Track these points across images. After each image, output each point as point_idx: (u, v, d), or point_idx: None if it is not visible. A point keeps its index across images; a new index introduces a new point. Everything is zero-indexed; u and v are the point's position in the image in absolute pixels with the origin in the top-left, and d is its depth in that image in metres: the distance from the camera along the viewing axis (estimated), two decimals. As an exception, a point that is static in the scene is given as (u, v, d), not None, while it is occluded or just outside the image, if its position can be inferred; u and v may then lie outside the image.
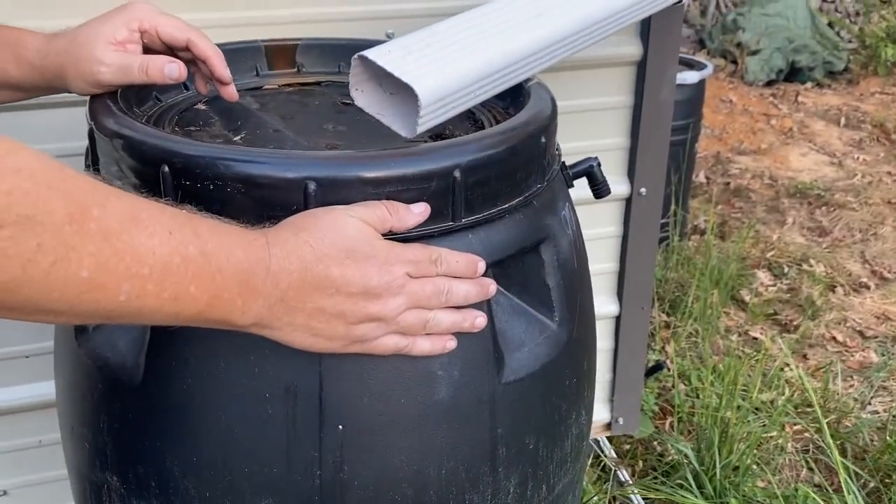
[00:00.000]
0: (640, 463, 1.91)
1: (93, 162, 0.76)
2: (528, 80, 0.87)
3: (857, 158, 4.13)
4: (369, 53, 0.72)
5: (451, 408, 0.73)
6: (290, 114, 0.89)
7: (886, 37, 5.45)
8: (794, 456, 1.95)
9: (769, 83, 5.27)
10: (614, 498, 1.77)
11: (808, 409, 2.04)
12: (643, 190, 1.50)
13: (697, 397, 2.07)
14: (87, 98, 0.80)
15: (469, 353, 0.73)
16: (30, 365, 1.31)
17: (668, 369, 2.21)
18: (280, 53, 1.01)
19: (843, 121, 4.67)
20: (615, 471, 1.80)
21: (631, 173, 1.50)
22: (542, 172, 0.79)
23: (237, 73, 0.93)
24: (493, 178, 0.72)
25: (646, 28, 1.39)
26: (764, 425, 1.95)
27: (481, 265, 0.70)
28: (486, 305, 0.73)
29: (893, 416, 2.04)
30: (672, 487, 1.75)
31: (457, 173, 0.69)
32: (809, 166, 4.03)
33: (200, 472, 0.71)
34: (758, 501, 1.73)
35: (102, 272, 0.50)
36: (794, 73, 5.36)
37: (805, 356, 2.44)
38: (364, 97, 0.76)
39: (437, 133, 0.85)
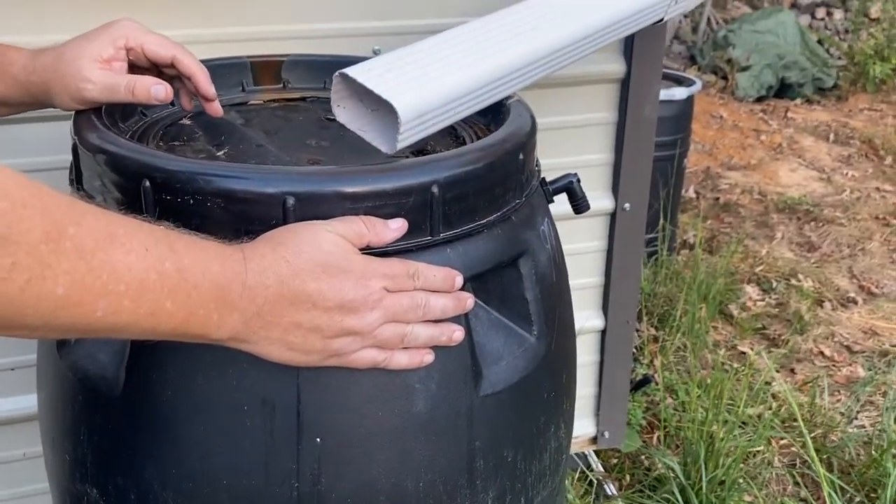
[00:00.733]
0: (628, 477, 1.91)
1: (76, 177, 0.77)
2: (509, 97, 0.89)
3: (846, 174, 4.16)
4: (350, 71, 0.74)
5: (428, 421, 0.73)
6: (274, 129, 0.90)
7: (875, 54, 5.51)
8: (781, 470, 1.95)
9: (759, 99, 5.32)
10: (601, 512, 1.77)
11: (795, 424, 2.04)
12: (627, 205, 1.52)
13: (685, 411, 2.08)
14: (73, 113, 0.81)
15: (447, 367, 0.74)
16: (15, 378, 1.31)
17: (656, 383, 2.22)
18: (266, 69, 1.03)
19: (832, 137, 4.71)
20: (602, 484, 1.81)
21: (615, 188, 1.51)
22: (521, 188, 0.80)
23: (223, 89, 0.94)
24: (470, 193, 0.73)
25: (629, 46, 1.41)
26: (750, 440, 1.95)
27: (459, 279, 0.71)
28: (464, 319, 0.74)
29: (879, 431, 2.05)
30: (658, 501, 1.76)
31: (434, 189, 0.70)
32: (798, 182, 4.06)
33: (180, 483, 0.72)
34: (744, 516, 1.74)
35: (78, 289, 0.51)
36: (783, 90, 5.41)
37: (793, 371, 2.45)
38: (346, 113, 0.77)
39: (419, 149, 0.86)
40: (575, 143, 1.46)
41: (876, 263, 3.18)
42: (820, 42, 5.83)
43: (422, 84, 0.76)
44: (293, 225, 0.64)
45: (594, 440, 1.75)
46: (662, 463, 1.88)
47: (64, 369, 0.77)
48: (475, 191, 0.74)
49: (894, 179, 4.08)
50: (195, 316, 0.58)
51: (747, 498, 1.82)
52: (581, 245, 1.54)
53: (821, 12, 6.51)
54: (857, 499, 1.81)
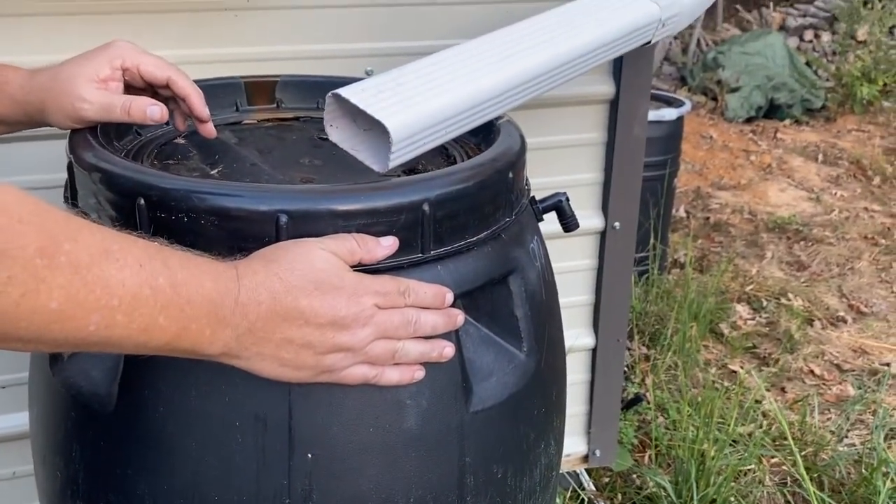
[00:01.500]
0: (619, 496, 1.91)
1: (71, 194, 0.78)
2: (499, 117, 0.90)
3: (835, 194, 4.20)
4: (343, 91, 0.75)
5: (419, 436, 0.74)
6: (267, 148, 0.92)
7: (862, 76, 5.58)
8: (772, 489, 1.96)
9: (749, 120, 5.37)
10: (592, 530, 1.77)
11: (786, 442, 2.05)
12: (617, 224, 1.53)
13: (676, 430, 2.08)
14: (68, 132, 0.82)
15: (438, 383, 0.74)
16: (5, 396, 1.31)
17: (647, 402, 2.22)
18: (260, 89, 1.04)
19: (820, 157, 4.76)
20: (594, 503, 1.81)
21: (605, 207, 1.53)
22: (511, 206, 0.82)
23: (217, 109, 0.96)
24: (461, 211, 0.74)
25: (618, 67, 1.43)
26: (741, 458, 1.96)
27: (449, 296, 0.72)
28: (454, 335, 0.75)
29: (869, 450, 2.06)
30: (649, 520, 1.76)
31: (426, 207, 0.71)
32: (788, 201, 4.09)
33: (172, 499, 0.72)
34: (735, 534, 1.74)
35: (72, 304, 0.52)
36: (773, 111, 5.47)
37: (783, 389, 2.46)
38: (339, 133, 0.78)
39: (410, 167, 0.87)
40: (565, 163, 1.48)
41: (865, 283, 3.20)
42: (808, 64, 5.91)
43: (413, 105, 0.78)
44: (286, 242, 0.65)
45: (585, 458, 1.75)
46: (654, 481, 1.88)
47: (56, 386, 0.77)
48: (466, 209, 0.75)
49: (882, 199, 4.13)
50: (188, 331, 0.59)
51: (739, 516, 1.83)
52: (572, 263, 1.55)
53: (809, 34, 6.60)
54: (848, 517, 1.82)
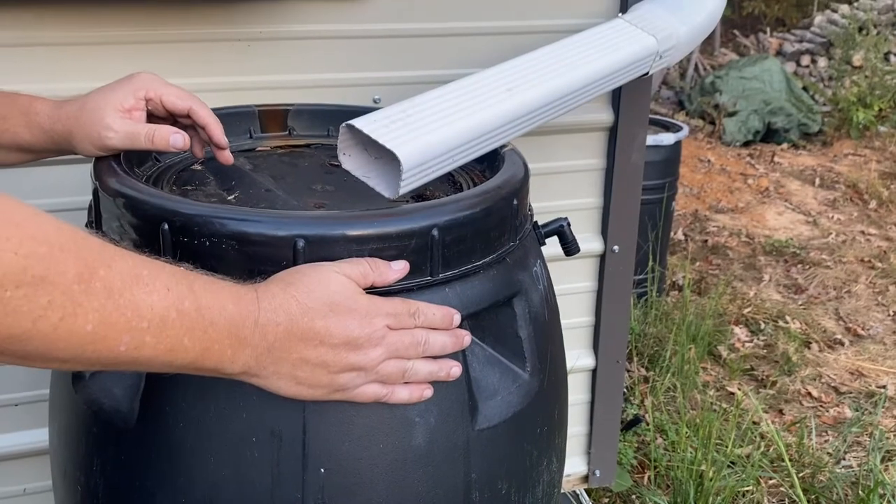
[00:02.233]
0: (619, 516, 1.93)
1: (96, 218, 0.81)
2: (503, 146, 0.94)
3: (832, 217, 4.25)
4: (356, 122, 0.79)
5: (427, 453, 0.77)
6: (281, 174, 0.95)
7: (858, 101, 5.65)
8: (770, 510, 1.98)
9: (746, 144, 5.43)
10: (592, 551, 1.79)
11: (783, 464, 2.07)
12: (616, 247, 1.57)
13: (675, 451, 2.10)
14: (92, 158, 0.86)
15: (445, 401, 0.77)
16: (18, 413, 1.33)
17: (646, 423, 2.24)
18: (272, 117, 1.08)
19: (817, 181, 4.81)
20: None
21: (604, 231, 1.57)
22: (515, 231, 0.85)
23: (232, 136, 0.99)
24: (468, 236, 0.78)
25: (617, 96, 1.47)
26: (739, 479, 1.98)
27: (457, 317, 0.75)
28: (461, 355, 0.78)
29: (867, 472, 2.08)
30: (649, 540, 1.77)
31: (435, 232, 0.74)
32: (785, 225, 4.14)
33: (188, 513, 0.75)
34: (733, 554, 1.75)
35: (105, 326, 0.55)
36: (770, 135, 5.53)
37: (781, 411, 2.49)
38: (351, 161, 0.82)
39: (419, 194, 0.91)
40: (565, 188, 1.52)
41: (862, 305, 3.24)
42: (805, 89, 5.98)
43: (422, 135, 0.82)
44: (304, 266, 0.69)
45: (586, 479, 1.77)
46: (653, 502, 1.90)
47: (79, 402, 0.80)
48: (472, 234, 0.78)
49: (879, 223, 4.17)
50: (210, 351, 0.62)
51: (737, 537, 1.84)
52: (572, 285, 1.58)
53: (805, 60, 6.69)
54: (845, 538, 1.83)
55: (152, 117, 0.88)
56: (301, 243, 0.69)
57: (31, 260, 0.51)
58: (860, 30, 6.38)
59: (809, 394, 2.59)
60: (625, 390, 2.34)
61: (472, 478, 0.80)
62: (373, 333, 0.68)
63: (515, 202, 0.84)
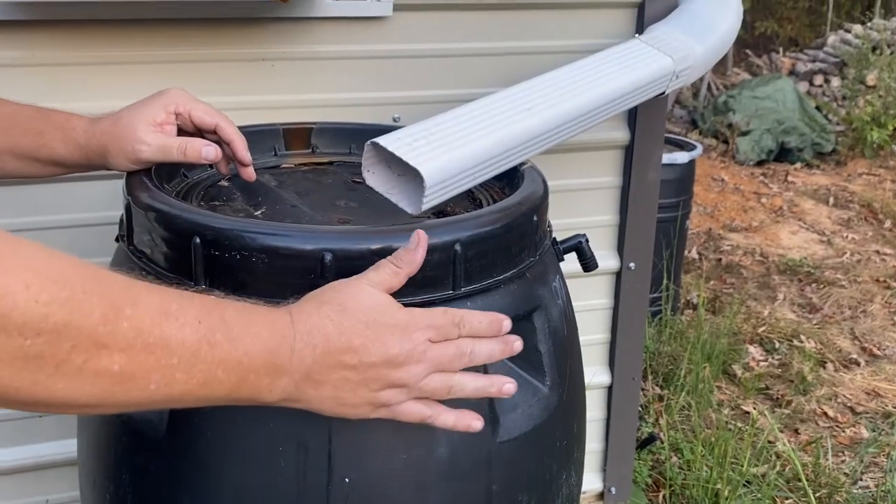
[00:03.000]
0: (634, 534, 1.92)
1: (128, 232, 0.83)
2: (522, 163, 0.96)
3: (846, 237, 4.23)
4: (381, 140, 0.81)
5: (449, 464, 0.78)
6: (305, 191, 0.97)
7: (872, 120, 5.65)
8: (786, 530, 1.97)
9: (760, 163, 5.43)
10: (608, 569, 1.78)
11: (800, 484, 2.06)
12: (632, 264, 1.58)
13: (690, 470, 2.10)
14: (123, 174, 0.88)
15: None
16: (46, 423, 1.35)
17: (661, 441, 2.24)
18: (296, 135, 1.11)
19: (831, 200, 4.80)
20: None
21: (620, 248, 1.58)
22: (535, 247, 0.87)
23: (257, 153, 1.02)
24: (489, 251, 0.80)
25: (633, 116, 1.49)
26: (755, 499, 1.97)
27: (507, 323, 0.71)
28: (483, 368, 0.79)
29: (884, 493, 2.07)
30: (665, 559, 1.77)
31: (457, 247, 0.76)
32: (799, 244, 4.13)
33: (214, 522, 0.76)
34: (750, 574, 1.74)
35: (133, 365, 0.53)
36: (783, 154, 5.53)
37: (797, 431, 2.47)
38: (375, 178, 0.84)
39: (439, 210, 0.93)
40: (582, 205, 1.54)
41: (877, 325, 3.22)
42: (818, 108, 5.99)
43: (445, 152, 0.84)
44: (334, 284, 0.68)
45: (601, 496, 1.77)
46: (668, 520, 1.89)
47: (108, 413, 0.82)
48: (494, 249, 0.80)
49: (894, 243, 4.15)
50: (246, 381, 0.60)
51: (753, 557, 1.83)
52: (588, 302, 1.60)
53: (819, 79, 6.70)
54: (863, 559, 1.82)
55: (181, 132, 0.90)
56: (328, 257, 0.71)
57: (54, 306, 0.48)
58: (874, 49, 6.39)
59: (825, 413, 2.57)
60: (639, 409, 2.34)
61: (493, 489, 0.81)
62: (413, 349, 0.66)
63: (535, 218, 0.86)
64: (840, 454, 2.34)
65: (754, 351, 2.95)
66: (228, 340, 0.58)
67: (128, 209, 0.83)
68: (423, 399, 0.68)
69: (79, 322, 0.50)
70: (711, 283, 3.53)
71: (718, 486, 1.90)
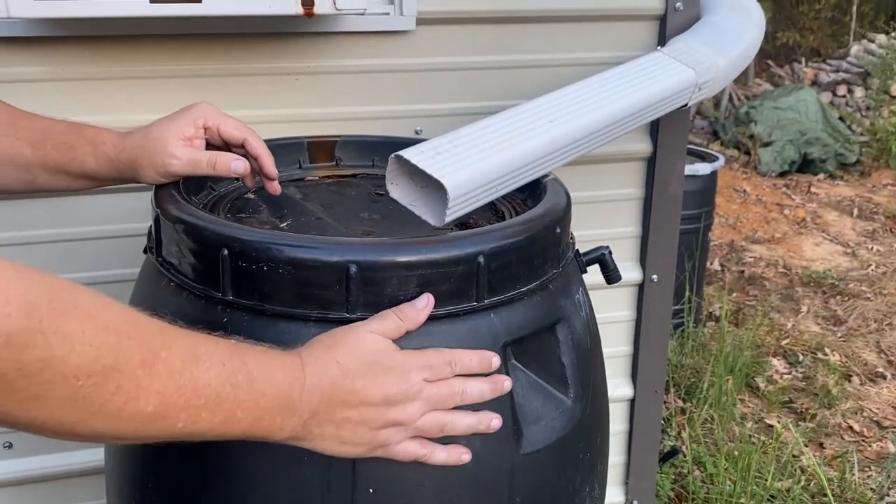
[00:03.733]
0: (657, 549, 1.91)
1: (156, 244, 0.85)
2: (545, 175, 0.96)
3: (871, 249, 4.19)
4: (404, 153, 0.82)
5: (473, 475, 0.78)
6: (330, 203, 0.98)
7: (896, 131, 5.60)
8: (812, 545, 1.94)
9: (782, 174, 5.39)
10: (630, 583, 1.77)
11: (825, 499, 2.04)
12: (655, 276, 1.57)
13: (713, 483, 2.08)
14: (152, 187, 0.90)
15: (490, 425, 0.79)
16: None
17: (684, 455, 2.22)
18: (320, 148, 1.12)
19: (855, 211, 4.75)
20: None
21: (643, 260, 1.57)
22: (558, 259, 0.87)
23: (282, 166, 1.03)
24: (513, 263, 0.80)
25: (655, 127, 1.49)
26: (780, 513, 1.95)
27: (495, 360, 0.76)
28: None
29: (912, 508, 2.04)
30: (688, 574, 1.75)
31: (481, 259, 0.76)
32: (823, 256, 4.09)
33: (240, 531, 0.77)
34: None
35: (165, 406, 0.58)
36: (806, 165, 5.49)
37: (821, 445, 2.44)
38: (398, 190, 0.85)
39: (462, 222, 0.93)
40: (605, 217, 1.53)
41: (904, 338, 3.18)
42: (841, 119, 5.94)
43: (468, 165, 0.84)
44: (337, 329, 0.71)
45: (623, 509, 1.76)
46: (692, 535, 1.87)
47: (136, 421, 0.83)
48: (517, 261, 0.80)
49: (920, 255, 4.10)
50: (261, 420, 0.64)
51: (778, 573, 1.81)
52: (611, 314, 1.59)
53: (842, 90, 6.64)
54: (891, 576, 1.79)
55: (208, 146, 0.91)
56: (353, 269, 0.72)
57: (103, 350, 0.53)
58: (897, 59, 6.33)
59: (851, 427, 2.54)
60: (662, 421, 2.33)
61: (516, 501, 0.81)
62: (409, 388, 0.70)
63: (558, 230, 0.86)
64: (866, 469, 2.31)
65: (778, 364, 2.92)
66: (248, 382, 0.63)
67: (156, 221, 0.84)
68: (417, 438, 0.73)
69: (122, 366, 0.54)
70: (734, 294, 3.50)
71: (742, 500, 1.88)
